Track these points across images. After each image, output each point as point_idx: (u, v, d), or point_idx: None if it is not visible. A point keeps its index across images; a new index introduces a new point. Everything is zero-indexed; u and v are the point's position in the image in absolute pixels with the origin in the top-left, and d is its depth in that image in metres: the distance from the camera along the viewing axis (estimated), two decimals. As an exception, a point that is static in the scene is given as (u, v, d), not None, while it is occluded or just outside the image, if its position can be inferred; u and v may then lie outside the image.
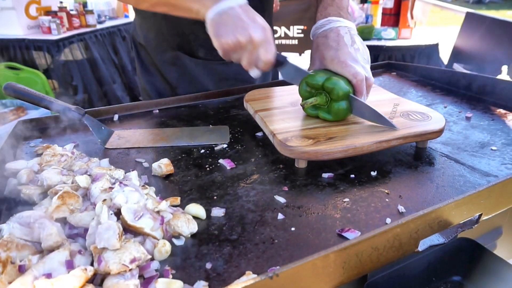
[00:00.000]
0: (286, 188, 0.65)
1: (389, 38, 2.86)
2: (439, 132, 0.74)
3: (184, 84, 1.13)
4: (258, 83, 1.17)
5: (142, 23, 1.13)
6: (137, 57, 1.19)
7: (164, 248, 0.49)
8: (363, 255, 0.46)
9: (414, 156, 0.75)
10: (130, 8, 4.11)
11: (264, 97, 0.92)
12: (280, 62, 0.78)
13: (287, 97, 0.92)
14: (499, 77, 1.09)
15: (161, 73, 1.14)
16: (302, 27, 3.85)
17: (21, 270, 0.44)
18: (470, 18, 3.07)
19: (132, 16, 4.13)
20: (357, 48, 0.81)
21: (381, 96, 0.91)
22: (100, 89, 3.38)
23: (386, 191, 0.63)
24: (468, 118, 0.91)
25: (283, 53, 1.26)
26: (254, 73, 0.78)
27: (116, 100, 3.44)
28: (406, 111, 0.81)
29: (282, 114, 0.81)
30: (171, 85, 1.14)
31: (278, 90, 0.99)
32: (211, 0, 0.73)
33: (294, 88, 0.84)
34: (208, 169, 0.72)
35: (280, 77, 0.89)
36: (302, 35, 3.54)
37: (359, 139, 0.69)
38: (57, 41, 3.00)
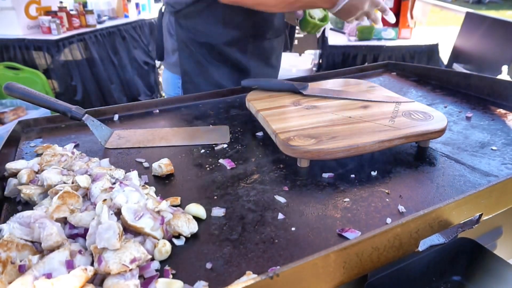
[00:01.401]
0: (286, 188, 0.65)
1: (389, 38, 2.86)
2: (441, 132, 0.74)
3: (204, 74, 1.20)
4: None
5: (170, 15, 1.18)
6: (178, 42, 1.19)
7: (164, 248, 0.49)
8: (363, 255, 0.46)
9: (414, 156, 0.75)
10: (130, 8, 4.11)
11: (266, 97, 0.92)
12: None
13: (289, 96, 0.92)
14: (499, 77, 1.09)
15: (200, 54, 1.18)
16: (301, 27, 3.85)
17: (21, 270, 0.44)
18: (470, 18, 3.07)
19: (132, 16, 4.13)
20: None
21: (382, 96, 0.91)
22: (100, 90, 3.38)
23: (387, 191, 0.63)
24: (468, 118, 0.91)
25: (283, 53, 1.28)
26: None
27: (114, 101, 3.44)
28: (408, 110, 0.81)
29: (285, 114, 0.82)
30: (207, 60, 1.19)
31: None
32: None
33: None
34: (208, 169, 0.72)
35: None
36: (301, 35, 3.55)
37: (361, 139, 0.69)
38: (57, 41, 3.00)
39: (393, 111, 0.80)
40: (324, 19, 1.20)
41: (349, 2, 0.98)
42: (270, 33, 1.22)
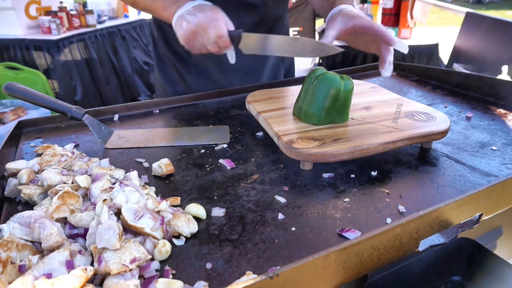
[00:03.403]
0: (286, 188, 0.65)
1: (389, 38, 2.86)
2: (444, 133, 0.74)
3: (192, 75, 1.15)
4: (258, 84, 1.17)
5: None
6: (154, 51, 1.22)
7: (164, 248, 0.49)
8: (363, 255, 0.46)
9: (414, 156, 0.75)
10: (130, 8, 4.11)
11: (266, 98, 0.92)
12: (235, 36, 0.81)
13: (290, 97, 0.92)
14: (499, 77, 1.09)
15: (175, 66, 1.16)
16: (298, 28, 3.86)
17: (21, 270, 0.44)
18: (470, 18, 3.07)
19: (132, 16, 4.14)
20: None
21: (384, 97, 0.91)
22: (100, 90, 3.38)
23: (387, 191, 0.63)
24: (468, 118, 0.91)
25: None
26: (229, 55, 0.85)
27: (113, 101, 3.44)
28: (410, 111, 0.80)
29: (286, 115, 0.81)
30: (180, 75, 1.16)
31: (281, 90, 0.99)
32: (174, 7, 0.85)
33: (297, 89, 0.84)
34: (208, 169, 0.72)
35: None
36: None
37: (365, 141, 0.69)
38: (57, 41, 3.00)
39: (395, 112, 0.80)
40: None
41: (182, 19, 0.82)
42: None
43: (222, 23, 0.80)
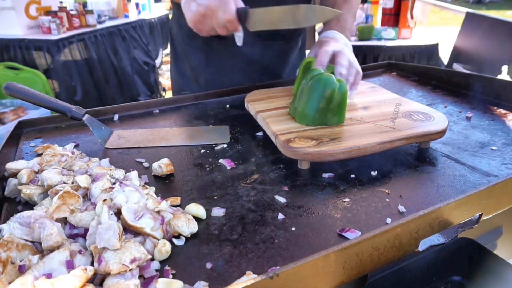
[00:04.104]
0: (286, 188, 0.65)
1: (389, 38, 2.86)
2: (442, 133, 0.74)
3: (212, 69, 1.15)
4: (259, 83, 1.17)
5: (177, 11, 1.16)
6: (171, 47, 1.22)
7: (164, 248, 0.49)
8: (363, 255, 0.46)
9: (414, 156, 0.75)
10: (130, 8, 4.11)
11: (265, 98, 0.92)
12: (242, 13, 0.80)
13: (288, 97, 0.92)
14: (499, 77, 1.09)
15: (189, 61, 1.17)
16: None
17: (21, 270, 0.44)
18: (470, 18, 3.07)
19: (132, 16, 4.13)
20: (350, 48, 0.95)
21: (383, 96, 0.91)
22: (100, 90, 3.38)
23: (387, 191, 0.63)
24: (468, 118, 0.91)
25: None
26: (236, 38, 0.84)
27: (113, 101, 3.44)
28: (409, 111, 0.80)
29: (284, 115, 0.81)
30: (198, 70, 1.16)
31: (279, 90, 0.99)
32: None
33: None
34: (208, 169, 0.72)
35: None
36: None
37: (362, 140, 0.69)
38: (57, 41, 3.00)
39: (394, 112, 0.80)
40: None
41: None
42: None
43: (232, 5, 0.78)
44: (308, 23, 0.84)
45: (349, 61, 0.86)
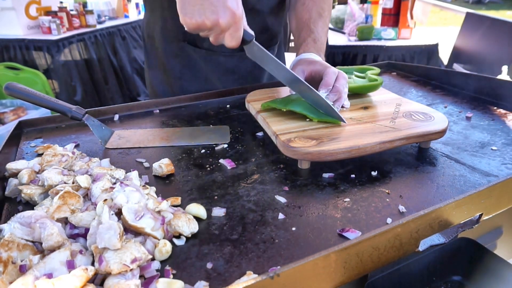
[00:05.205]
0: (286, 188, 0.65)
1: (389, 38, 2.86)
2: (442, 133, 0.74)
3: (187, 76, 1.13)
4: (259, 83, 1.17)
5: (150, 16, 1.14)
6: (145, 52, 1.21)
7: (164, 248, 0.49)
8: (363, 255, 0.46)
9: (414, 156, 0.75)
10: (130, 8, 4.12)
11: (265, 98, 0.92)
12: (246, 41, 0.76)
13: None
14: (499, 77, 1.09)
15: (164, 67, 1.15)
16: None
17: (22, 270, 0.44)
18: (470, 18, 3.07)
19: (132, 16, 4.14)
20: None
21: (382, 96, 0.91)
22: (100, 90, 3.38)
23: (387, 191, 0.63)
24: (468, 118, 0.91)
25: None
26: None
27: (113, 101, 3.44)
28: (409, 111, 0.81)
29: (284, 115, 0.81)
30: (174, 77, 1.15)
31: (280, 90, 0.99)
32: None
33: None
34: (208, 169, 0.72)
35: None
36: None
37: (362, 140, 0.69)
38: (57, 41, 3.00)
39: (394, 112, 0.81)
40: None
41: None
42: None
43: (241, 33, 0.72)
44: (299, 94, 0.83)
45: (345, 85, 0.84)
